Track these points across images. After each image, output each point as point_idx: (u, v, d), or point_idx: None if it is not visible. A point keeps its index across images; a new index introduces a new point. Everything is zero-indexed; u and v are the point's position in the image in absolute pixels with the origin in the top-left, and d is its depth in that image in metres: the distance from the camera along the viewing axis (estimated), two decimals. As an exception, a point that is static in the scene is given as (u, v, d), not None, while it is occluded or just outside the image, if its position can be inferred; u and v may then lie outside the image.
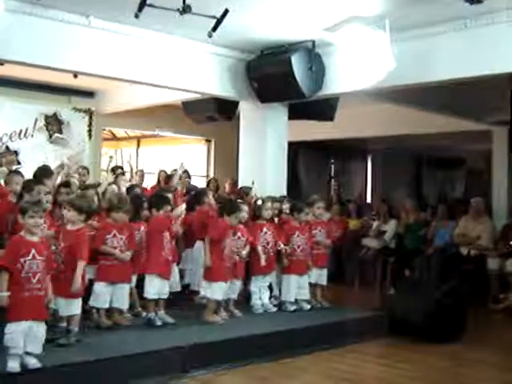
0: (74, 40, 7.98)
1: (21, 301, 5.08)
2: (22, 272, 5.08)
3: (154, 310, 6.97)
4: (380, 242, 11.38)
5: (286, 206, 8.54)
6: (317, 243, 8.41)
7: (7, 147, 11.75)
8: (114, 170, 9.87)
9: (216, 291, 7.15)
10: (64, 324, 6.03)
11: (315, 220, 8.50)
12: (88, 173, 9.14)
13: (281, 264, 8.16)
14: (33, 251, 5.15)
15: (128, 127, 15.12)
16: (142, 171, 12.62)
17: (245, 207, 7.61)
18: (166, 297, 7.05)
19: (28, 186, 6.73)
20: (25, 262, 5.09)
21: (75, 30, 7.96)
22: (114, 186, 7.95)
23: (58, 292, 5.75)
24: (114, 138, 16.80)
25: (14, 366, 5.04)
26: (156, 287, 6.90)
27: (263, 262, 7.75)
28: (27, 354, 5.14)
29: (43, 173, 7.60)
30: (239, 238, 7.55)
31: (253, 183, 9.03)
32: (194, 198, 8.58)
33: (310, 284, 8.32)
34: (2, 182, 8.17)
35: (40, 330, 5.21)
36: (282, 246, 8.01)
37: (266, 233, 7.97)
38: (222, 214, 7.43)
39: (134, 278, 7.10)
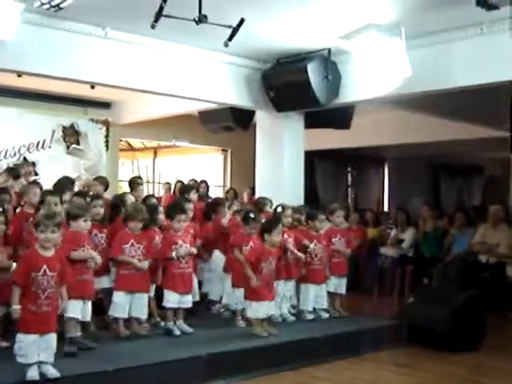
0: (91, 51, 8.04)
1: (29, 314, 5.07)
2: (32, 286, 5.08)
3: (173, 320, 6.96)
4: (398, 250, 11.31)
5: (303, 218, 8.50)
6: (336, 252, 8.37)
7: (25, 158, 11.81)
8: (132, 180, 9.89)
9: (258, 310, 7.05)
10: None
11: (334, 228, 8.46)
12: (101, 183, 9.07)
13: (299, 273, 8.13)
14: (44, 267, 5.12)
15: (145, 138, 15.18)
16: (168, 184, 12.67)
17: (255, 224, 7.52)
18: (186, 306, 7.01)
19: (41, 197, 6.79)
20: (36, 276, 5.08)
21: (92, 41, 8.02)
22: (131, 196, 7.94)
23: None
24: (131, 148, 16.87)
25: (33, 374, 5.05)
26: (176, 297, 6.90)
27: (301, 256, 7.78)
28: (41, 363, 5.15)
29: (59, 184, 7.67)
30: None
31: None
32: (210, 207, 8.55)
33: (329, 293, 8.27)
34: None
35: (51, 339, 5.21)
36: (312, 246, 7.94)
37: (286, 240, 7.89)
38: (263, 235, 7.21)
39: (153, 288, 7.10)
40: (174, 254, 6.83)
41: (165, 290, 6.92)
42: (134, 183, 8.82)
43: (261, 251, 7.08)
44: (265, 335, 6.95)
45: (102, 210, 7.00)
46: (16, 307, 5.03)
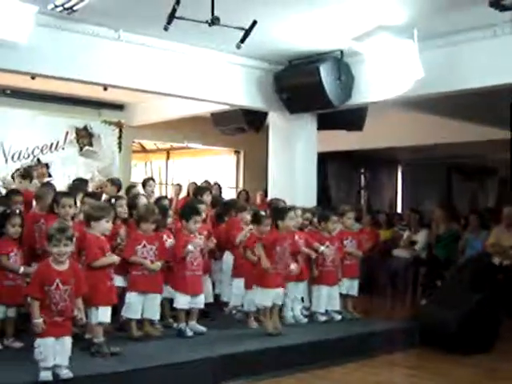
0: (104, 53, 8.08)
1: (46, 320, 5.10)
2: (46, 299, 5.11)
3: (186, 321, 6.97)
4: (411, 252, 11.28)
5: (315, 219, 8.50)
6: (348, 254, 8.36)
7: (38, 160, 11.89)
8: (144, 182, 9.92)
9: (264, 297, 7.11)
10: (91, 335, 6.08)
11: (346, 230, 8.46)
12: (113, 184, 9.10)
13: (311, 274, 8.13)
14: (57, 281, 5.14)
15: (157, 139, 15.22)
16: (179, 185, 12.70)
17: (268, 220, 7.55)
18: (199, 307, 7.03)
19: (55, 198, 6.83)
20: (48, 290, 5.11)
21: (105, 43, 8.06)
22: (143, 198, 7.98)
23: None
24: (144, 150, 16.92)
25: (46, 375, 5.08)
26: (186, 299, 6.90)
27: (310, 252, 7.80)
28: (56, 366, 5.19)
29: (73, 186, 7.73)
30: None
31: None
32: (224, 209, 8.56)
33: (341, 295, 8.26)
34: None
35: (67, 343, 5.23)
36: (322, 248, 7.93)
37: (297, 241, 7.88)
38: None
39: (167, 289, 7.13)
40: (190, 247, 6.84)
41: (175, 292, 6.94)
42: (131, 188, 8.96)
43: (276, 236, 7.16)
44: (273, 332, 6.97)
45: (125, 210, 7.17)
46: (37, 321, 5.04)
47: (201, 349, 6.40)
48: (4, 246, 6.18)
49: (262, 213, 7.64)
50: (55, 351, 5.13)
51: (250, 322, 7.46)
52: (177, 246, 6.96)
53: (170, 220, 7.42)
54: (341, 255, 8.24)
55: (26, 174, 8.60)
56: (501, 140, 12.28)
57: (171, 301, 7.08)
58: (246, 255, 7.40)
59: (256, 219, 7.51)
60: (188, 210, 7.30)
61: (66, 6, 6.80)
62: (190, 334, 6.86)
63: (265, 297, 7.07)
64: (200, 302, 7.01)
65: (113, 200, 7.26)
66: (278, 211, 7.49)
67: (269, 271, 7.03)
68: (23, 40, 6.88)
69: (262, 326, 7.17)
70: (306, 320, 7.97)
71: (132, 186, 9.33)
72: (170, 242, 7.07)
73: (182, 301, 6.90)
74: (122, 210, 7.21)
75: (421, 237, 11.37)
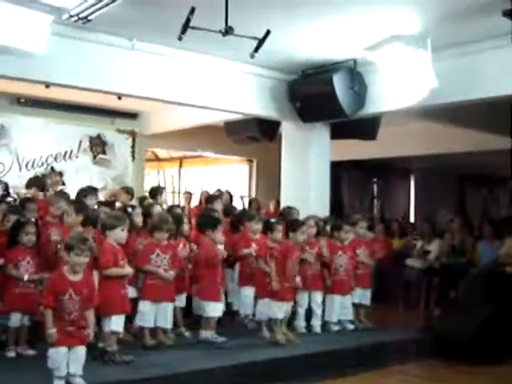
0: (118, 62, 8.12)
1: (59, 329, 5.13)
2: (59, 309, 5.15)
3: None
4: (424, 262, 11.24)
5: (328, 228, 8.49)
6: (360, 263, 8.35)
7: (52, 168, 11.93)
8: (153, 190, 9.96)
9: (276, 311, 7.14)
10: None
11: (358, 239, 8.44)
12: (127, 192, 9.14)
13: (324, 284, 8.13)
14: (70, 291, 5.18)
15: (170, 148, 15.25)
16: (189, 193, 12.72)
17: (280, 227, 7.56)
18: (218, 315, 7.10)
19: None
20: (62, 299, 5.14)
21: (119, 52, 8.10)
22: (158, 206, 8.00)
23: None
24: (157, 158, 16.94)
25: (59, 383, 5.10)
26: (220, 306, 7.04)
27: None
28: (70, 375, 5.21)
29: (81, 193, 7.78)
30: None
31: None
32: (238, 219, 8.54)
33: (354, 304, 8.25)
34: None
35: (80, 352, 5.25)
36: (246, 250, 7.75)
37: (308, 252, 7.88)
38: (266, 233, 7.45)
39: (182, 297, 7.15)
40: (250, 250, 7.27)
41: (206, 301, 6.99)
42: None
43: (288, 247, 7.17)
44: (284, 343, 6.96)
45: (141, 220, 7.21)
46: (51, 331, 5.07)
47: (214, 357, 6.40)
48: (14, 255, 6.22)
49: (273, 220, 7.66)
50: (68, 360, 5.15)
51: (262, 331, 7.45)
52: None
53: (186, 228, 7.42)
54: (353, 264, 8.23)
55: (39, 183, 8.63)
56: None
57: (184, 309, 7.09)
58: (259, 264, 7.41)
59: (268, 227, 7.52)
60: (211, 220, 7.40)
61: (81, 15, 6.88)
62: (221, 339, 6.92)
63: (278, 310, 7.08)
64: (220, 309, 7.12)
65: (129, 209, 7.26)
66: (292, 223, 7.50)
67: (281, 285, 7.04)
68: (38, 49, 6.93)
69: (273, 335, 7.16)
70: (318, 329, 7.96)
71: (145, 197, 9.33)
72: (185, 251, 7.12)
73: (216, 309, 6.98)
74: (138, 219, 7.22)
75: (434, 246, 11.33)
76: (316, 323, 7.92)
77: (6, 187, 8.42)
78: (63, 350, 5.11)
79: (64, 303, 5.12)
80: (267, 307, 7.21)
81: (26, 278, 6.16)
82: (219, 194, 10.50)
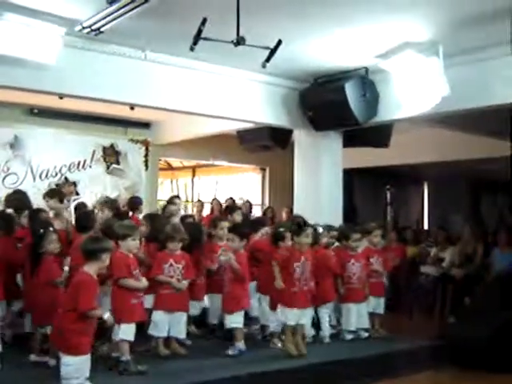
0: (131, 73, 8.16)
1: (82, 336, 5.23)
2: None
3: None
4: (438, 269, 11.19)
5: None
6: (374, 272, 8.32)
7: (66, 178, 11.98)
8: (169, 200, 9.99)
9: (288, 316, 7.09)
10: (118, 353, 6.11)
11: (372, 248, 8.42)
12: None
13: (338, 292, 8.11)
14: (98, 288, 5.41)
15: (183, 157, 15.29)
16: (200, 202, 12.75)
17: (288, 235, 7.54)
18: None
19: None
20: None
21: (131, 63, 8.14)
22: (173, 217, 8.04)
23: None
24: (170, 167, 16.99)
25: None
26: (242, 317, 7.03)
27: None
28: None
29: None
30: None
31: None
32: (251, 227, 8.52)
33: (368, 313, 8.21)
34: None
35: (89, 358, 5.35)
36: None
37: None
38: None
39: (198, 306, 7.18)
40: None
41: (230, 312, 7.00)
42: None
43: (292, 251, 7.13)
44: (294, 353, 6.93)
45: None
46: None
47: (228, 368, 6.40)
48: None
49: (282, 229, 7.65)
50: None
51: (275, 341, 7.44)
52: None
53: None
54: (367, 272, 8.21)
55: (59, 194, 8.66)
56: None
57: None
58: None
59: (277, 237, 7.52)
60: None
61: (94, 27, 6.93)
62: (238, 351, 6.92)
63: (288, 316, 7.04)
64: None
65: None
66: (295, 228, 7.43)
67: (289, 290, 7.02)
68: (51, 61, 7.00)
69: (284, 346, 7.12)
70: (328, 340, 7.91)
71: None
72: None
73: (240, 319, 7.00)
74: (143, 229, 7.21)
75: (448, 254, 11.28)
76: (323, 334, 7.82)
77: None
78: (85, 357, 5.22)
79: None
80: (279, 314, 7.17)
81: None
82: (237, 205, 10.53)
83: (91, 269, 5.40)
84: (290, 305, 7.02)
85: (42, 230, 6.41)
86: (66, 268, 6.35)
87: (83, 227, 6.91)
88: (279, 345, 7.33)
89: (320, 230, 8.04)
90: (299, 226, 7.44)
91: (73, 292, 5.38)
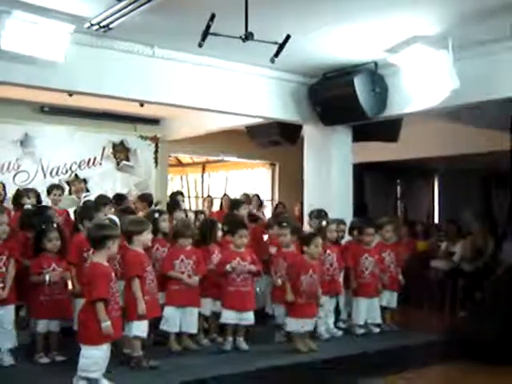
0: (139, 70, 8.15)
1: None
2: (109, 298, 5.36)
3: (232, 336, 6.97)
4: (449, 263, 11.18)
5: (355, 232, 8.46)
6: (387, 266, 8.31)
7: (76, 175, 12.03)
8: (173, 195, 10.03)
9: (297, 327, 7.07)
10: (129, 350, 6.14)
11: (384, 243, 8.41)
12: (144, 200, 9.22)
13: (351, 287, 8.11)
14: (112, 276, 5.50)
15: (193, 153, 15.31)
16: (210, 197, 12.76)
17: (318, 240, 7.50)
18: (247, 323, 7.03)
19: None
20: (110, 288, 5.39)
21: (140, 60, 8.13)
22: (179, 213, 8.03)
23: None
24: (180, 164, 17.03)
25: None
26: (232, 314, 6.91)
27: None
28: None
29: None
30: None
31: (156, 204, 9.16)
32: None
33: (380, 307, 8.21)
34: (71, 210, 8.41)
35: (109, 348, 5.38)
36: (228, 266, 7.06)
37: (329, 255, 7.84)
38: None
39: (210, 303, 7.15)
40: (228, 267, 6.88)
41: (222, 308, 6.96)
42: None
43: (301, 263, 7.09)
44: (305, 351, 6.93)
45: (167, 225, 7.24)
46: (107, 323, 5.26)
47: (238, 362, 6.43)
48: (38, 263, 6.30)
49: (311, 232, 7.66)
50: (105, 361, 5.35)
51: (278, 335, 7.48)
52: (219, 262, 7.01)
53: (219, 234, 7.42)
54: (381, 267, 8.20)
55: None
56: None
57: (218, 315, 7.11)
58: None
59: (304, 240, 7.49)
60: (234, 224, 7.33)
61: (102, 24, 6.93)
62: (228, 347, 6.87)
63: (296, 326, 7.04)
64: (248, 318, 7.00)
65: (156, 214, 7.30)
66: (304, 237, 7.40)
67: (296, 302, 7.00)
68: (60, 58, 7.01)
69: (290, 341, 7.14)
70: (340, 333, 7.93)
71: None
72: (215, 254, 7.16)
73: (227, 316, 6.91)
74: (165, 224, 7.24)
75: (459, 248, 11.26)
76: (321, 329, 7.74)
77: (38, 196, 8.47)
78: (103, 348, 5.29)
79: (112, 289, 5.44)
80: (288, 323, 7.15)
81: (47, 278, 6.21)
82: (245, 199, 10.51)
83: (100, 257, 5.46)
84: (296, 315, 7.02)
85: (43, 226, 6.44)
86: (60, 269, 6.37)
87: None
88: (282, 338, 7.39)
89: (333, 227, 7.99)
90: (307, 236, 7.41)
91: (86, 283, 5.48)
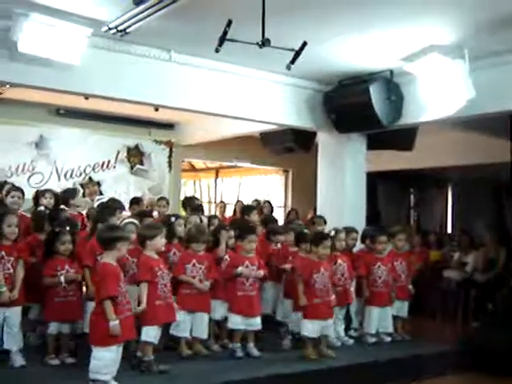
0: (155, 74, 8.18)
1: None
2: (118, 297, 5.38)
3: (241, 342, 6.96)
4: (462, 273, 11.13)
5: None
6: (399, 275, 8.27)
7: (90, 178, 12.08)
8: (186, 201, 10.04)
9: (311, 329, 7.03)
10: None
11: (396, 252, 8.37)
12: (168, 204, 9.26)
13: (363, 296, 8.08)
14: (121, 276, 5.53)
15: (207, 158, 15.33)
16: (223, 203, 12.77)
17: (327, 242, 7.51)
18: (254, 328, 6.99)
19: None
20: (119, 287, 5.42)
21: (156, 64, 8.16)
22: (194, 217, 8.04)
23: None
24: (193, 169, 17.05)
25: None
26: (239, 319, 6.89)
27: None
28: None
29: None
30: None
31: None
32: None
33: (392, 316, 8.17)
34: (84, 212, 8.43)
35: (121, 350, 5.40)
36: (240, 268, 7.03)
37: (340, 265, 7.78)
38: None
39: (222, 308, 7.14)
40: (239, 269, 6.88)
41: (229, 313, 6.95)
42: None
43: (309, 262, 7.08)
44: (314, 357, 6.91)
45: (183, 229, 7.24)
46: (115, 322, 5.28)
47: (249, 369, 6.42)
48: (52, 266, 6.31)
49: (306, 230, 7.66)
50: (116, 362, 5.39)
51: (285, 339, 7.51)
52: (227, 266, 7.00)
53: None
54: (394, 276, 8.17)
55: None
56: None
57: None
58: (296, 278, 7.39)
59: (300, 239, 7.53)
60: (243, 229, 7.32)
61: (119, 28, 6.96)
62: (239, 354, 6.85)
63: (312, 328, 7.00)
64: (256, 323, 6.97)
65: (172, 218, 7.31)
66: (314, 237, 7.38)
67: (310, 302, 6.98)
68: (77, 61, 7.04)
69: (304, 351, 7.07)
70: (351, 341, 7.90)
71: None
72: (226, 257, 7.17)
73: (234, 321, 6.90)
74: (181, 228, 7.24)
75: (471, 258, 11.21)
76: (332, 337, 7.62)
77: (57, 197, 8.48)
78: (113, 349, 5.31)
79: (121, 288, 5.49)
80: (302, 325, 7.10)
81: (62, 279, 6.23)
82: (256, 205, 10.51)
83: (109, 258, 5.49)
84: (312, 317, 6.98)
85: (57, 229, 6.46)
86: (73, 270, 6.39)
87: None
88: (288, 343, 7.42)
89: (342, 235, 7.94)
90: (316, 236, 7.41)
91: (96, 283, 5.54)
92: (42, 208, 7.72)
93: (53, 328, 6.21)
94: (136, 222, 6.96)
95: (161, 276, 6.15)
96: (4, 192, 7.70)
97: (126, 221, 6.99)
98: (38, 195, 8.16)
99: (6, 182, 8.84)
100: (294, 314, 7.41)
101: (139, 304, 5.95)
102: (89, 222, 7.80)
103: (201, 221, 8.06)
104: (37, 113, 11.60)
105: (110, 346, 5.27)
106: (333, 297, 7.16)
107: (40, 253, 6.57)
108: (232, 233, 7.35)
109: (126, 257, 6.28)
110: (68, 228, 6.49)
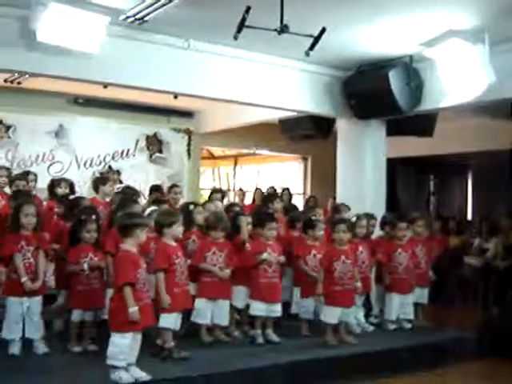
0: (174, 62, 8.19)
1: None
2: (137, 284, 5.38)
3: (261, 328, 6.97)
4: (482, 260, 11.07)
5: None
6: (419, 262, 8.24)
7: (110, 167, 12.12)
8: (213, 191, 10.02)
9: (330, 315, 7.04)
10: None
11: (416, 238, 8.33)
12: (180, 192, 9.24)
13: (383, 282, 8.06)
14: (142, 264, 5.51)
15: (225, 146, 15.34)
16: (242, 191, 12.77)
17: (321, 225, 7.55)
18: (275, 315, 7.00)
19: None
20: (138, 274, 5.41)
21: (175, 52, 8.17)
22: (212, 205, 8.03)
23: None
24: (212, 156, 17.06)
25: (127, 377, 5.27)
26: (262, 306, 6.91)
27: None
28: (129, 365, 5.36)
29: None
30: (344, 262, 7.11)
31: None
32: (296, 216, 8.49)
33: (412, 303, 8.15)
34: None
35: (140, 337, 5.44)
36: (265, 254, 7.02)
37: (361, 252, 7.78)
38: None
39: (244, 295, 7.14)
40: (265, 255, 6.89)
41: (251, 299, 6.97)
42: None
43: (330, 251, 7.10)
44: (333, 343, 6.92)
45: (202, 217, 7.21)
46: (134, 309, 5.28)
47: (269, 356, 6.43)
48: (76, 253, 6.34)
49: (313, 217, 7.64)
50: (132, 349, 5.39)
51: (302, 329, 7.47)
52: (250, 253, 7.00)
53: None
54: (414, 262, 8.14)
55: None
56: None
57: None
58: (299, 265, 7.42)
59: (307, 225, 7.51)
60: (263, 216, 7.33)
61: (138, 16, 6.99)
62: (260, 341, 6.87)
63: (331, 315, 7.01)
64: (276, 310, 6.98)
65: (191, 206, 7.32)
66: (332, 223, 7.37)
67: (331, 289, 6.98)
68: (95, 50, 7.06)
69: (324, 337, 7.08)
70: (371, 328, 7.90)
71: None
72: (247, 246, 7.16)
73: (257, 308, 6.92)
74: (200, 216, 7.25)
75: (492, 245, 11.14)
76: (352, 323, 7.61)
77: (72, 186, 8.52)
78: (128, 336, 5.31)
79: (140, 276, 5.47)
80: (321, 311, 7.13)
81: (85, 266, 6.26)
82: (276, 193, 10.48)
83: (127, 245, 5.49)
84: (332, 303, 6.99)
85: (83, 217, 6.49)
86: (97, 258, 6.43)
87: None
88: (306, 332, 7.42)
89: (363, 222, 7.93)
90: (333, 222, 7.40)
91: (115, 269, 5.61)
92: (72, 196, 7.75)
93: (76, 315, 6.25)
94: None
95: (178, 264, 6.15)
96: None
97: (152, 208, 7.01)
98: (54, 184, 8.21)
99: (29, 172, 8.96)
100: (303, 300, 7.45)
101: (156, 292, 5.98)
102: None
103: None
104: (56, 102, 11.64)
105: (126, 333, 5.28)
106: (359, 284, 7.15)
107: (66, 240, 6.60)
108: (250, 219, 7.34)
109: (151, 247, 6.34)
110: (94, 216, 6.52)
